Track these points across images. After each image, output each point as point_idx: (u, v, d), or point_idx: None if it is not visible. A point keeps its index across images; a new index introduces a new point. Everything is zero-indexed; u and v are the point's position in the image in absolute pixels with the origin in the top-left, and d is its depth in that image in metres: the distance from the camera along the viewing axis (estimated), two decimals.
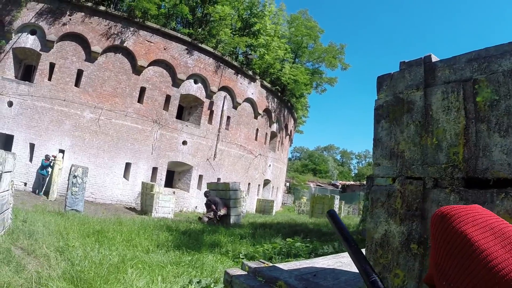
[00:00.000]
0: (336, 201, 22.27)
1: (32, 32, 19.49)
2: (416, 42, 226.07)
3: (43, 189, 18.44)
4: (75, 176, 11.60)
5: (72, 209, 11.37)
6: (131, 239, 7.67)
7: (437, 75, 1.91)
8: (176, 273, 5.78)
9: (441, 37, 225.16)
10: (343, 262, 3.08)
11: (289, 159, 64.33)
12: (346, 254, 3.98)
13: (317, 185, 69.90)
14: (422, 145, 1.92)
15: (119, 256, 6.07)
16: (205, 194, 15.55)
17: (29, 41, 19.44)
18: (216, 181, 23.18)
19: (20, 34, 19.34)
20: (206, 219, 14.46)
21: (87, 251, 6.24)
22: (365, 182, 70.79)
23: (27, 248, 6.23)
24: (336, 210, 22.33)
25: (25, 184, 18.57)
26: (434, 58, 1.93)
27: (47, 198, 17.53)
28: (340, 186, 72.16)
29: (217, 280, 5.34)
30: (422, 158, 1.90)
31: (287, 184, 56.04)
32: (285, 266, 2.78)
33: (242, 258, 7.44)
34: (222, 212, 14.34)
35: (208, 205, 14.86)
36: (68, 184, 11.87)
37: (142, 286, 4.78)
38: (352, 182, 76.96)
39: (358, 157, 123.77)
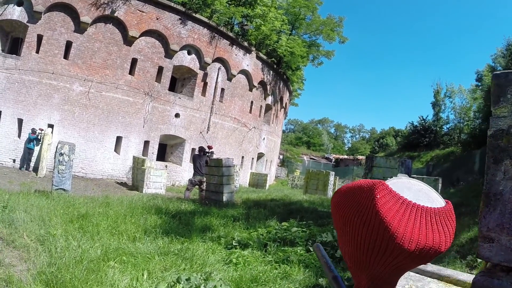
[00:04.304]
0: (331, 178, 21.95)
1: (19, 4, 18.62)
2: (418, 19, 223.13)
3: (31, 164, 18.08)
4: (61, 154, 11.12)
5: (59, 189, 10.95)
6: (117, 225, 7.29)
7: None
8: (163, 266, 5.42)
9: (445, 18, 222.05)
10: None
11: (283, 132, 64.13)
12: None
13: (311, 158, 69.94)
14: None
15: (102, 247, 5.69)
16: (201, 148, 15.31)
17: (16, 12, 18.61)
18: None
19: (6, 6, 18.49)
20: (188, 194, 14.27)
21: (69, 241, 5.86)
22: (358, 156, 70.92)
23: (6, 238, 5.84)
24: (331, 186, 22.07)
25: (14, 161, 18.27)
26: None
27: (36, 175, 17.18)
28: (333, 160, 72.24)
29: (208, 276, 4.97)
30: None
31: (281, 157, 55.88)
32: None
33: (236, 245, 7.11)
34: (197, 178, 14.18)
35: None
36: (54, 162, 11.42)
37: (124, 286, 4.41)
38: (345, 156, 77.15)
39: (352, 131, 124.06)
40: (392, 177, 0.86)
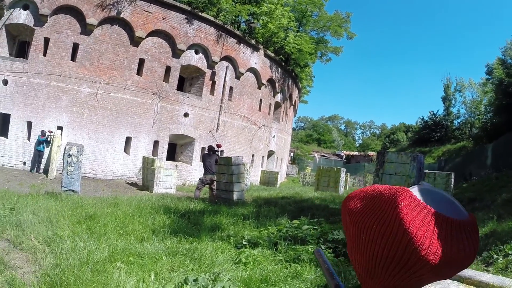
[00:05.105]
0: (342, 174, 21.74)
1: (25, 7, 18.76)
2: (427, 14, 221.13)
3: (41, 166, 18.17)
4: (69, 155, 11.08)
5: (68, 190, 10.92)
6: (125, 226, 7.20)
7: None
8: (171, 266, 5.31)
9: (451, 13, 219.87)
10: None
11: (293, 129, 63.82)
12: None
13: (322, 155, 69.62)
14: None
15: (109, 248, 5.60)
16: (210, 147, 15.13)
17: (22, 16, 18.72)
18: None
19: (12, 10, 18.65)
20: (198, 193, 14.09)
21: (76, 242, 5.77)
22: (369, 153, 70.49)
23: (14, 240, 5.80)
24: (342, 183, 21.89)
25: (24, 163, 18.45)
26: None
27: (47, 176, 17.23)
28: (344, 157, 71.81)
29: (216, 277, 4.86)
30: None
31: (291, 154, 55.63)
32: None
33: (245, 244, 6.98)
34: (208, 177, 14.03)
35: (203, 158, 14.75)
36: (63, 163, 11.40)
37: None
38: (356, 153, 76.68)
39: (363, 127, 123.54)
40: (414, 184, 0.79)
